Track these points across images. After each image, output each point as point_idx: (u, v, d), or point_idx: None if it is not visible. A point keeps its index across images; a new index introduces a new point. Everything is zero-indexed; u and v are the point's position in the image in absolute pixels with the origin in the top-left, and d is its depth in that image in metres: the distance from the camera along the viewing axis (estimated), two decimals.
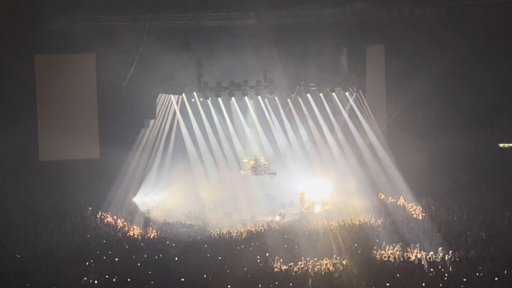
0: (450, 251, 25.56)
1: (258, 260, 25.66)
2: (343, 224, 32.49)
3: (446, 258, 24.95)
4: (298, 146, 40.81)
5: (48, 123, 38.40)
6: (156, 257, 26.44)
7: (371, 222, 32.77)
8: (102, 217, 35.08)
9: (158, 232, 32.89)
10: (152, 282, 22.78)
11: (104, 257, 26.18)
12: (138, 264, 25.29)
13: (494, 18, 35.39)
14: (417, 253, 26.03)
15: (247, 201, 38.68)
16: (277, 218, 36.83)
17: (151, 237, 31.87)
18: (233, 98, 39.05)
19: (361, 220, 33.38)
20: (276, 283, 22.58)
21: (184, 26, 35.68)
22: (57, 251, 27.13)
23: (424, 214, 33.53)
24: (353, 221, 33.00)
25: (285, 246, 27.92)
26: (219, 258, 25.95)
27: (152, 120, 40.00)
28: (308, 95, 39.83)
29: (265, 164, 39.48)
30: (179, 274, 23.64)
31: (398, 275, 22.93)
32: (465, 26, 36.06)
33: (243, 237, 30.77)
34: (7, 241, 28.85)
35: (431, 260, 24.84)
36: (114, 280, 23.29)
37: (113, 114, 38.29)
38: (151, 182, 40.03)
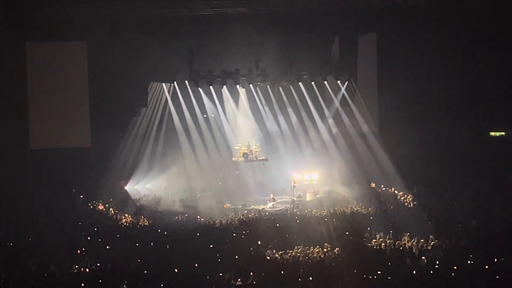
0: (441, 239, 25.64)
1: (250, 249, 25.70)
2: (334, 212, 32.55)
3: (437, 246, 25.00)
4: (290, 134, 40.81)
5: (39, 112, 38.32)
6: (147, 245, 26.45)
7: (362, 211, 32.85)
8: (94, 205, 35.11)
9: (150, 220, 32.89)
10: (143, 271, 22.77)
11: (96, 246, 26.17)
12: (130, 252, 25.27)
13: (486, 7, 35.37)
14: (408, 241, 26.08)
15: (239, 189, 38.70)
16: (269, 206, 36.87)
17: (143, 225, 31.87)
18: (224, 86, 39.03)
19: (353, 208, 33.46)
20: (268, 271, 22.62)
21: (175, 15, 35.56)
22: (48, 239, 27.06)
23: (415, 203, 33.63)
24: (344, 210, 33.07)
25: (277, 234, 27.97)
26: (211, 246, 25.96)
27: (144, 109, 39.94)
28: (300, 83, 39.82)
29: (256, 151, 39.52)
30: (170, 262, 23.66)
31: (389, 263, 23.01)
32: (456, 15, 36.05)
33: (234, 225, 30.77)
34: None
35: (422, 248, 24.92)
36: (105, 268, 23.27)
37: (104, 102, 38.21)
38: (143, 171, 40.00)
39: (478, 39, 37.45)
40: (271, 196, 37.47)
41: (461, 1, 34.64)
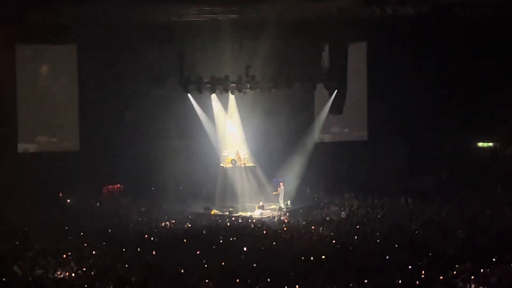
0: (428, 249, 25.66)
1: (237, 255, 25.65)
2: (322, 220, 32.56)
3: (424, 256, 24.98)
4: (279, 142, 40.69)
5: (28, 115, 38.29)
6: (134, 251, 26.37)
7: (350, 219, 32.82)
8: (81, 209, 35.02)
9: (137, 225, 32.77)
10: (130, 276, 22.70)
11: (82, 250, 26.07)
12: (116, 257, 25.18)
13: (477, 17, 35.51)
14: (395, 250, 26.04)
15: (226, 195, 38.58)
16: (257, 212, 36.83)
17: (130, 230, 31.73)
18: (214, 92, 38.94)
19: (340, 216, 33.45)
20: (254, 278, 22.57)
21: (166, 20, 35.53)
22: (34, 242, 26.97)
23: (403, 212, 33.67)
24: (332, 218, 33.09)
25: (264, 241, 27.96)
26: (197, 252, 25.92)
27: (133, 113, 39.84)
28: (290, 91, 39.75)
29: (245, 157, 39.49)
30: (157, 268, 23.61)
31: (376, 272, 23.00)
32: (447, 24, 36.21)
33: (221, 232, 30.71)
34: None
35: (409, 257, 24.90)
36: (91, 273, 23.18)
37: (94, 106, 38.20)
38: (132, 175, 39.88)
39: (468, 49, 37.64)
40: (261, 203, 37.41)
41: (452, 12, 34.76)
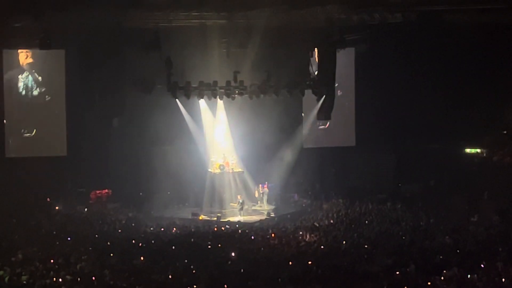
0: (415, 255, 25.71)
1: (224, 261, 25.64)
2: (309, 226, 32.57)
3: (410, 262, 25.02)
4: (267, 147, 40.71)
5: (15, 120, 38.19)
6: (122, 256, 26.31)
7: (337, 225, 32.87)
8: (68, 215, 34.91)
9: (125, 231, 32.70)
10: (117, 282, 22.65)
11: (69, 256, 25.98)
12: (104, 263, 25.12)
13: (464, 24, 35.65)
14: (383, 256, 26.10)
15: (215, 201, 38.57)
16: (243, 218, 36.91)
17: (117, 236, 31.67)
18: (202, 98, 38.93)
19: (328, 222, 33.49)
20: (242, 284, 22.57)
21: (154, 25, 35.46)
22: (21, 248, 26.85)
23: (390, 218, 33.73)
24: (319, 224, 33.12)
25: (252, 247, 27.96)
26: (185, 259, 25.87)
27: (121, 118, 39.74)
28: (278, 96, 39.76)
29: (233, 163, 39.49)
30: (144, 274, 23.57)
31: (362, 278, 23.04)
32: (434, 31, 36.30)
33: (210, 237, 30.69)
34: None
35: (396, 263, 24.95)
36: (79, 279, 23.11)
37: (81, 111, 38.12)
38: (120, 181, 39.79)
39: (456, 56, 37.80)
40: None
41: (439, 18, 34.89)
